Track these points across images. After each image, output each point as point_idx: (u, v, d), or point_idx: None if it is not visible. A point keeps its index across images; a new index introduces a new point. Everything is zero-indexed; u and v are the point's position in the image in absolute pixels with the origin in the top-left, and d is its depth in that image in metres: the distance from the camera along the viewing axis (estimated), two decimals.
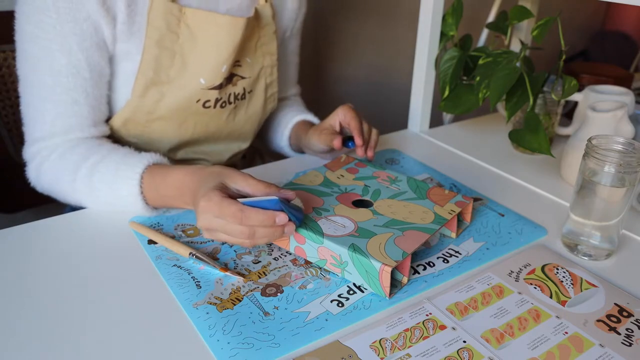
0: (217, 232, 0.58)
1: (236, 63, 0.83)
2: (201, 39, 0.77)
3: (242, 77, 0.85)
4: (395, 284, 0.59)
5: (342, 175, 0.73)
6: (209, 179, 0.61)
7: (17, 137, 1.08)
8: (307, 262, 0.62)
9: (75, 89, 0.72)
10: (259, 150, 1.11)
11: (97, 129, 0.76)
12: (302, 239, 0.61)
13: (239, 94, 0.85)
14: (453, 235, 0.67)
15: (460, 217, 0.70)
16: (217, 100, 0.82)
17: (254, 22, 0.82)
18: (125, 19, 0.72)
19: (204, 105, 0.81)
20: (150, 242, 0.65)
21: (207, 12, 0.76)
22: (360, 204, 0.67)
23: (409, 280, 0.59)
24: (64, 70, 0.70)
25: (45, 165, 0.73)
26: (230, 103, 0.84)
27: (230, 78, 0.83)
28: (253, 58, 0.85)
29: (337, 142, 0.78)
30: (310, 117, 0.95)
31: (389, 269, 0.54)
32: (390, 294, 0.57)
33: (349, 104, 0.83)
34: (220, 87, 0.81)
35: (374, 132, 0.83)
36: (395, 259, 0.55)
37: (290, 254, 0.64)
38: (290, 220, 0.58)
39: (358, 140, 0.79)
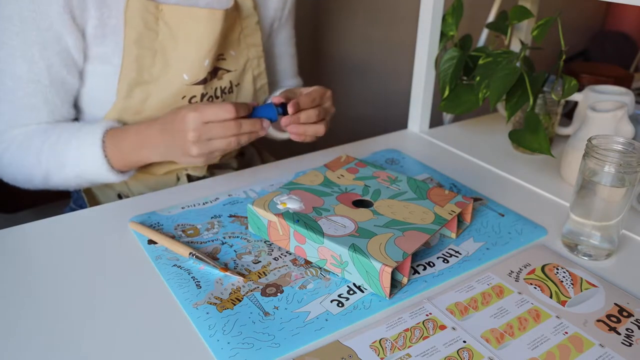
0: (208, 139, 0.67)
1: (220, 57, 0.82)
2: (180, 34, 0.77)
3: (228, 71, 0.84)
4: (395, 284, 0.59)
5: (342, 175, 0.73)
6: (174, 112, 0.70)
7: None
8: (307, 262, 0.62)
9: (34, 95, 0.75)
10: (258, 150, 1.11)
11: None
12: (303, 239, 0.61)
13: (225, 87, 0.85)
14: (453, 235, 0.67)
15: (460, 218, 0.70)
16: (202, 96, 0.81)
17: (234, 14, 0.82)
18: (97, 22, 0.73)
19: (190, 102, 0.81)
20: (150, 242, 0.65)
21: (184, 7, 0.76)
22: (360, 204, 0.67)
23: (409, 281, 0.60)
24: (25, 77, 0.73)
25: (7, 154, 0.77)
26: (217, 97, 0.84)
27: (215, 72, 0.82)
28: (237, 50, 0.85)
29: (275, 99, 0.73)
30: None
31: (390, 270, 0.54)
32: (390, 294, 0.57)
33: (329, 89, 0.79)
34: (204, 82, 0.81)
35: (320, 126, 0.76)
36: (395, 259, 0.55)
37: (290, 254, 0.64)
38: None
39: (290, 109, 0.72)
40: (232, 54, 0.84)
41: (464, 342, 0.51)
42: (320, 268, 0.61)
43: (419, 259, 0.63)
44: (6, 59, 0.72)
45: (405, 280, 0.59)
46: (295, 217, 0.62)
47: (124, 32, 0.74)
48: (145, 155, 0.75)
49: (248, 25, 0.85)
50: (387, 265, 0.54)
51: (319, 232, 0.59)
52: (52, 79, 0.74)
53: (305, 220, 0.62)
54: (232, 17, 0.81)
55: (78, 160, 0.76)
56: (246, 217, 0.70)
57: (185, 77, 0.78)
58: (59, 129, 0.77)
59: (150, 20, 0.74)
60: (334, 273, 0.60)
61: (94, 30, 0.73)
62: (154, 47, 0.76)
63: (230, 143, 0.69)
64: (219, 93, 0.84)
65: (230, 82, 0.85)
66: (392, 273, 0.57)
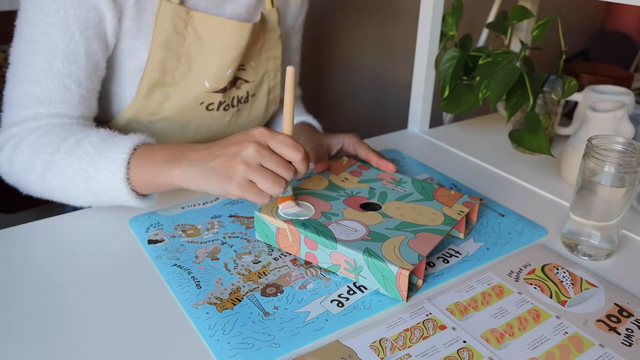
0: (258, 164, 0.58)
1: (241, 67, 0.83)
2: (207, 42, 0.77)
3: (246, 81, 0.85)
4: (410, 287, 0.58)
5: (346, 179, 0.72)
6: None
7: None
8: (307, 262, 0.62)
9: (68, 76, 0.70)
10: None
11: (84, 121, 0.73)
12: (314, 245, 0.60)
13: (242, 97, 0.85)
14: (461, 235, 0.67)
15: (466, 218, 0.69)
16: (220, 103, 0.82)
17: (259, 27, 0.83)
18: (134, 15, 0.72)
19: (207, 108, 0.81)
20: (150, 242, 0.65)
21: (214, 17, 0.76)
22: (367, 207, 0.66)
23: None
24: (60, 56, 0.69)
25: (27, 141, 0.68)
26: (233, 106, 0.84)
27: (234, 82, 0.83)
28: (257, 62, 0.85)
29: (319, 168, 0.76)
30: (309, 120, 0.95)
31: (407, 273, 0.54)
32: (407, 297, 0.57)
33: (356, 134, 0.83)
34: (224, 90, 0.81)
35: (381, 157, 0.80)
36: (411, 262, 0.55)
37: (290, 253, 0.63)
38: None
39: (383, 165, 0.77)
40: (252, 65, 0.85)
41: (464, 342, 0.51)
42: (320, 268, 0.61)
43: None
44: (40, 38, 0.68)
45: (420, 282, 0.59)
46: (305, 223, 0.61)
47: (152, 33, 0.74)
48: (175, 174, 0.62)
49: (271, 38, 0.86)
50: (404, 268, 0.54)
51: (331, 237, 0.59)
52: (89, 60, 0.71)
53: (315, 226, 0.61)
54: (257, 30, 0.82)
55: (95, 165, 0.65)
56: (246, 217, 0.70)
57: (206, 84, 0.79)
58: (87, 132, 0.69)
59: (179, 25, 0.75)
60: (348, 278, 0.60)
61: (130, 22, 0.72)
62: (180, 51, 0.76)
63: (275, 183, 0.59)
64: (235, 102, 0.85)
65: (247, 92, 0.86)
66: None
